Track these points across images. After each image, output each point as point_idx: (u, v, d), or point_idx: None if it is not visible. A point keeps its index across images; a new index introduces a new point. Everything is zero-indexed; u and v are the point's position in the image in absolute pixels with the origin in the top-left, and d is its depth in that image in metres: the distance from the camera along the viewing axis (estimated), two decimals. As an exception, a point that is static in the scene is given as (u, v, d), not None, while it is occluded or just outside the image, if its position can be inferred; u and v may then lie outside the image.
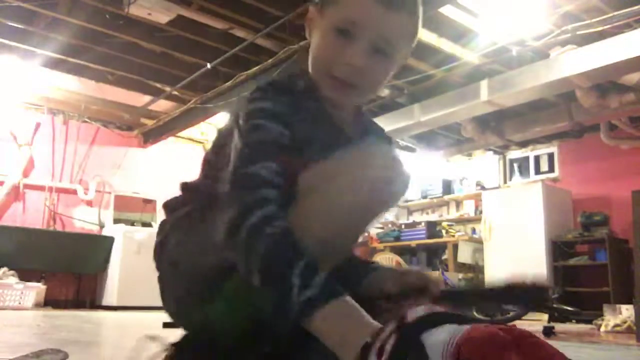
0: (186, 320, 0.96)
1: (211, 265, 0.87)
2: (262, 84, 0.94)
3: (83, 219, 6.74)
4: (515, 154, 7.23)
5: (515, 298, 0.93)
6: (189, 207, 0.99)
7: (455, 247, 6.94)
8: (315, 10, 0.98)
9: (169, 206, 1.05)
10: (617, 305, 4.41)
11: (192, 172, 1.09)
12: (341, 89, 0.94)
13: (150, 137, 7.16)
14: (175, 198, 1.05)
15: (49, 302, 5.74)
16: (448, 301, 0.99)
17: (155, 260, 1.01)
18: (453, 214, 7.70)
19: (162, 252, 0.99)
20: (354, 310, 0.72)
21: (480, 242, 6.71)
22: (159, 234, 1.02)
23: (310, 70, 0.98)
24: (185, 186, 1.06)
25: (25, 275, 5.59)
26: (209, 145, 1.08)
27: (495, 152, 7.35)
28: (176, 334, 0.99)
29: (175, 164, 6.87)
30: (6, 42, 4.94)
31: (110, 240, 6.34)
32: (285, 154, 0.85)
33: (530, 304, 0.79)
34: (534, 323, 4.97)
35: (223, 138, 0.98)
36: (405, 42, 0.97)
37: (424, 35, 4.56)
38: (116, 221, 6.64)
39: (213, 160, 1.00)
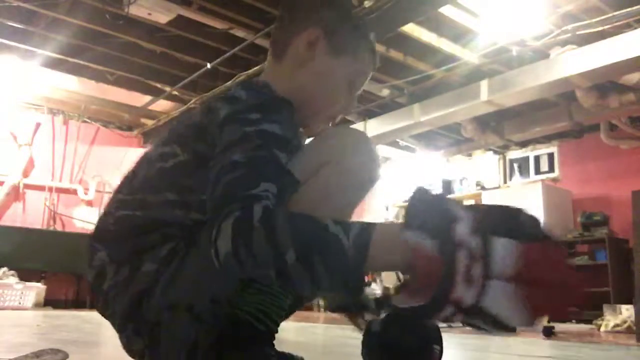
0: None
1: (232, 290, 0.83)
2: (251, 99, 0.88)
3: (83, 219, 6.74)
4: (515, 154, 7.23)
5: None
6: (171, 244, 0.87)
7: (455, 247, 6.94)
8: (325, 42, 1.00)
9: (137, 252, 0.89)
10: (617, 305, 4.40)
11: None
12: (326, 121, 1.05)
13: (150, 137, 7.17)
14: (139, 241, 0.90)
15: (49, 302, 5.74)
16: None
17: (135, 316, 0.88)
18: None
19: (151, 303, 0.85)
20: (394, 226, 0.73)
21: (480, 242, 6.70)
22: (135, 283, 0.87)
23: (293, 92, 0.95)
24: (155, 225, 0.90)
25: (25, 275, 5.59)
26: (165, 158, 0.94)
27: (495, 152, 7.35)
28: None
29: (175, 164, 6.86)
30: (6, 42, 4.94)
31: (110, 240, 6.33)
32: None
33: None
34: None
35: (196, 153, 0.89)
36: None
37: (424, 35, 4.56)
38: (116, 221, 6.64)
39: (183, 182, 0.90)
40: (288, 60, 1.01)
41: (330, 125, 1.06)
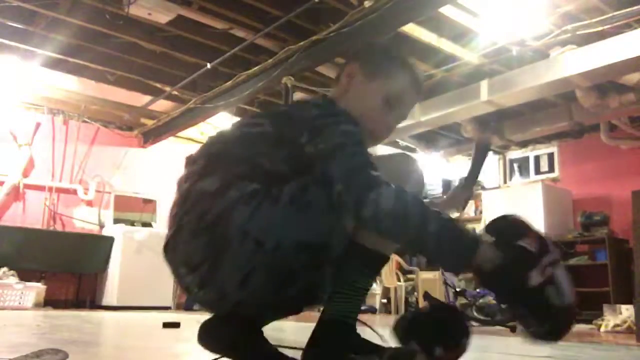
0: (254, 294, 1.04)
1: (315, 241, 1.02)
2: (332, 107, 1.16)
3: (83, 219, 6.74)
4: (515, 154, 7.23)
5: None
6: (256, 185, 1.04)
7: (455, 247, 6.93)
8: (361, 71, 1.26)
9: (228, 175, 1.06)
10: (617, 305, 4.40)
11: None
12: (373, 141, 1.24)
13: (150, 137, 7.17)
14: (232, 167, 1.07)
15: (49, 302, 5.74)
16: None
17: (211, 230, 1.02)
18: (453, 214, 7.69)
19: (230, 225, 1.01)
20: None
21: (480, 242, 6.70)
22: (219, 201, 1.03)
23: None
24: (246, 160, 1.08)
25: (25, 275, 5.59)
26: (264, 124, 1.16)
27: (495, 152, 7.35)
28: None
29: (175, 164, 6.85)
30: (6, 42, 4.94)
31: (110, 240, 6.34)
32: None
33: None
34: (534, 323, 4.97)
35: (289, 129, 1.11)
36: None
37: (424, 35, 4.56)
38: (116, 221, 6.64)
39: (272, 149, 1.09)
40: (339, 88, 1.29)
41: (373, 147, 1.24)
